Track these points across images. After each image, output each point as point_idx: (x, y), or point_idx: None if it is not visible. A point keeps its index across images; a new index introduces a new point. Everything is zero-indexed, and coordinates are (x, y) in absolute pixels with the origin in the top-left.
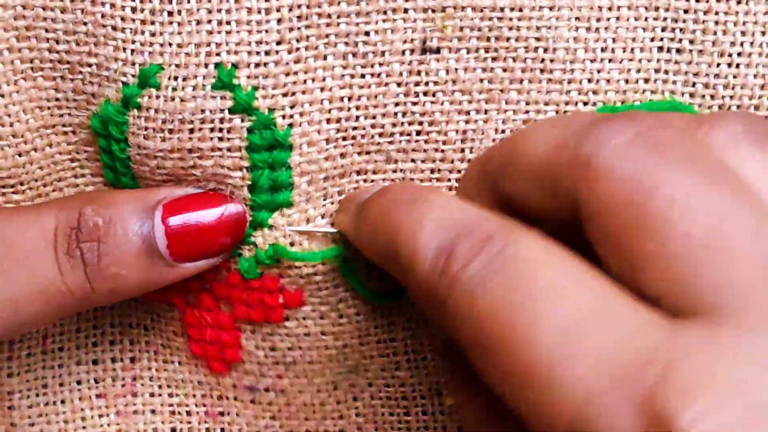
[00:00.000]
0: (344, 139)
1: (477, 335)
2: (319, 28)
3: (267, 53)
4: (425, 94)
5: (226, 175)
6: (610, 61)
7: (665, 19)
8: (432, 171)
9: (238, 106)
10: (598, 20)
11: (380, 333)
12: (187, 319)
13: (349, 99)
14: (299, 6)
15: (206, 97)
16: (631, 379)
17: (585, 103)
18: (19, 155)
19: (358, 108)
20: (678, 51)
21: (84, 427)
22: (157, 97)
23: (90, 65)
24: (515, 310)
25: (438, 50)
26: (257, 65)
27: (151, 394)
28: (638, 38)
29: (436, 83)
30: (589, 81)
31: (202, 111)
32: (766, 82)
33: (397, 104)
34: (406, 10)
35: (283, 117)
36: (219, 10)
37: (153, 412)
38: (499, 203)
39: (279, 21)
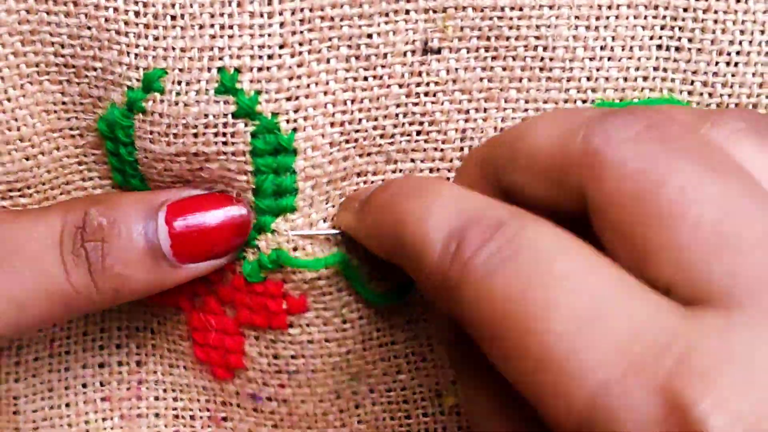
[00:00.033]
0: (347, 142)
1: (491, 321)
2: (322, 31)
3: (270, 57)
4: (426, 94)
5: (232, 179)
6: (609, 59)
7: (664, 17)
8: (431, 170)
9: (241, 111)
10: (598, 19)
11: (382, 337)
12: (193, 322)
13: (352, 102)
14: (302, 9)
15: (209, 101)
16: (649, 365)
17: (583, 101)
18: (27, 159)
19: (360, 111)
20: (677, 49)
21: (87, 431)
22: (161, 101)
23: (95, 69)
24: (531, 296)
25: (439, 51)
26: (260, 69)
27: (156, 398)
28: (637, 36)
29: (436, 83)
30: (588, 79)
31: (206, 116)
32: (765, 81)
33: (398, 105)
34: (407, 12)
35: (287, 121)
36: (221, 14)
37: (157, 415)
38: (501, 195)
39: (281, 25)
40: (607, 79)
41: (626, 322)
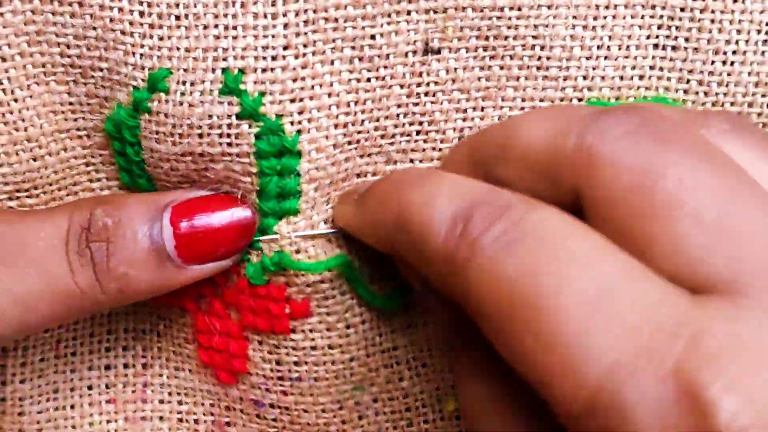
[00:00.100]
0: (349, 143)
1: (500, 300)
2: (326, 32)
3: (274, 58)
4: (426, 94)
5: (237, 180)
6: (605, 58)
7: (661, 16)
8: None
9: (245, 112)
10: (595, 18)
11: (385, 342)
12: (198, 324)
13: (356, 103)
14: (305, 11)
15: (213, 102)
16: (659, 348)
17: (579, 99)
18: (34, 160)
19: (363, 112)
20: (673, 48)
21: None
22: (167, 101)
23: (101, 69)
24: (542, 275)
25: (439, 51)
26: (264, 70)
27: (161, 401)
28: (634, 36)
29: (436, 83)
30: (585, 78)
31: (210, 116)
32: (760, 80)
33: (399, 106)
34: (409, 12)
35: (291, 123)
36: (225, 15)
37: (161, 419)
38: None
39: (285, 26)
40: (603, 78)
41: (636, 305)
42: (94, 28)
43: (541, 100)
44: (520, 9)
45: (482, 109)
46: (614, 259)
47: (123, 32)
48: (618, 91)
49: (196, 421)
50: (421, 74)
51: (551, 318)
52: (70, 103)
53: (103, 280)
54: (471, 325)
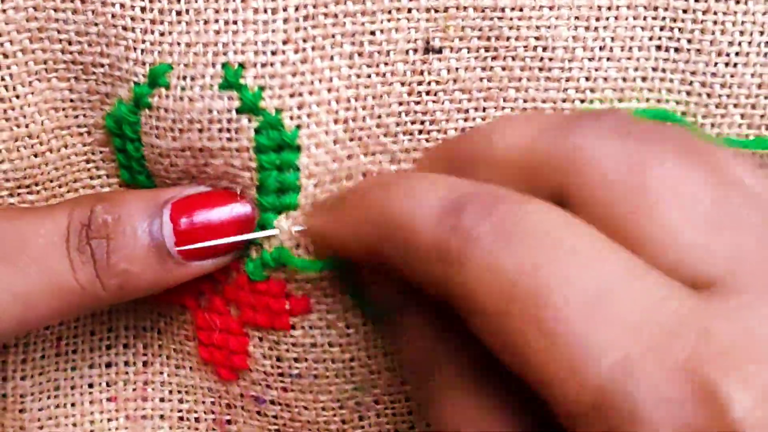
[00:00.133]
0: (351, 140)
1: (499, 296)
2: (326, 27)
3: (273, 53)
4: (427, 93)
5: (236, 175)
6: (608, 59)
7: (664, 18)
8: None
9: (245, 107)
10: (597, 19)
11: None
12: (198, 321)
13: (356, 99)
14: (305, 6)
15: (214, 96)
16: (667, 345)
17: (582, 101)
18: (35, 156)
19: (364, 108)
20: (676, 50)
21: (92, 431)
22: (167, 96)
23: (102, 65)
24: (545, 270)
25: (440, 50)
26: (264, 65)
27: (161, 400)
28: (636, 37)
29: (437, 83)
30: (587, 79)
31: (210, 111)
32: (763, 82)
33: (400, 104)
34: (409, 10)
35: (291, 118)
36: (226, 10)
37: (162, 417)
38: None
39: (285, 21)
40: (605, 79)
41: (640, 302)
42: (96, 24)
43: (544, 101)
44: (521, 10)
45: (484, 109)
46: (615, 255)
47: (125, 28)
48: (621, 92)
49: (197, 420)
50: (422, 73)
51: (553, 316)
52: (71, 100)
53: (104, 276)
54: (456, 332)
